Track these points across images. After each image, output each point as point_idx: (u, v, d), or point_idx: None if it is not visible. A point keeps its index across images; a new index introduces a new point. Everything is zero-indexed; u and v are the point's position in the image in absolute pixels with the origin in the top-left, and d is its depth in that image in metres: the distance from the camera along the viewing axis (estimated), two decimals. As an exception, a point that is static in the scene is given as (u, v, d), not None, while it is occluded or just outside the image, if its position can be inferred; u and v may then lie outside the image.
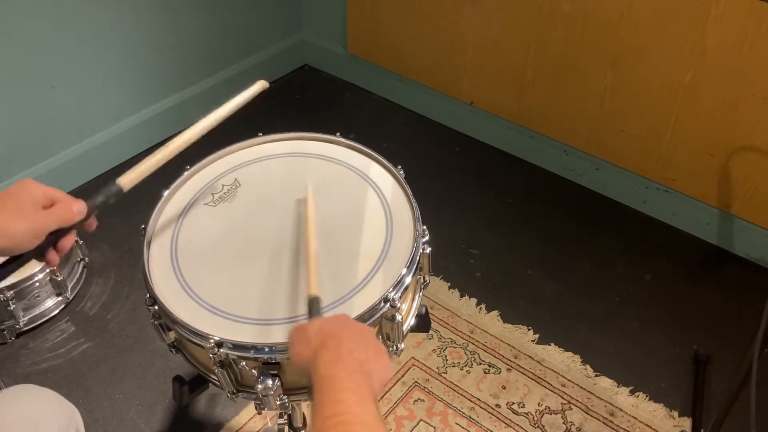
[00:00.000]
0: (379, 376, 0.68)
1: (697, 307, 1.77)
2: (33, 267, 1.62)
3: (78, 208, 0.79)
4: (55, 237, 0.78)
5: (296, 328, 0.74)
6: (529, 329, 1.71)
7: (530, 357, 1.64)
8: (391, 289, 0.87)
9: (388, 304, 0.85)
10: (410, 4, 2.22)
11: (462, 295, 1.79)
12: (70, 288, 1.74)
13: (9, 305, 1.60)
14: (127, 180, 0.83)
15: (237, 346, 0.82)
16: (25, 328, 1.67)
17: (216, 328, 0.84)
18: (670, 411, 1.53)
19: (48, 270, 1.66)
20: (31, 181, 0.77)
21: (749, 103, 1.68)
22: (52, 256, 0.79)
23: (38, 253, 0.78)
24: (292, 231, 0.99)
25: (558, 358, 1.64)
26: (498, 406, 1.54)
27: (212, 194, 1.06)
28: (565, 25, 1.91)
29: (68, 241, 0.80)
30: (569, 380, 1.60)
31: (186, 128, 0.90)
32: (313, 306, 0.83)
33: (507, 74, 2.12)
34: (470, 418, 1.52)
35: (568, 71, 1.98)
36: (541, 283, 1.84)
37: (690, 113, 1.80)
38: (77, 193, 2.03)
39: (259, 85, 0.96)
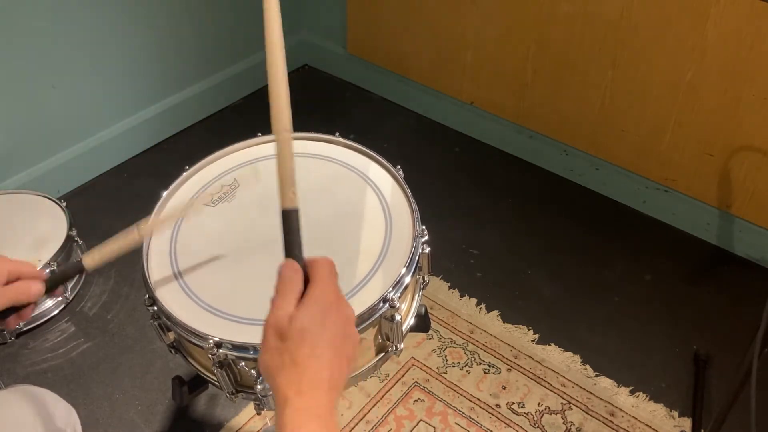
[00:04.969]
0: (344, 381, 0.62)
1: (697, 307, 1.77)
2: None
3: (35, 292, 0.81)
4: (11, 310, 0.81)
5: (272, 331, 0.60)
6: (529, 329, 1.71)
7: (530, 357, 1.64)
8: (391, 289, 0.87)
9: (387, 304, 0.85)
10: (410, 4, 2.22)
11: (462, 295, 1.79)
12: (69, 288, 1.74)
13: (9, 305, 1.60)
14: (91, 260, 0.84)
15: (236, 347, 0.82)
16: (25, 328, 1.67)
17: (215, 329, 0.84)
18: (670, 411, 1.53)
19: (48, 270, 1.66)
20: (2, 257, 0.80)
21: (749, 102, 1.68)
22: (12, 321, 0.82)
23: None
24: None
25: (558, 358, 1.64)
26: (498, 406, 1.54)
27: (211, 194, 1.06)
28: (565, 25, 1.91)
29: (29, 310, 0.83)
30: (569, 380, 1.59)
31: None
32: (290, 223, 0.60)
33: (507, 74, 2.12)
34: (470, 418, 1.52)
35: (568, 71, 1.97)
36: (541, 283, 1.84)
37: (690, 113, 1.80)
38: (78, 192, 2.07)
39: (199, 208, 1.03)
